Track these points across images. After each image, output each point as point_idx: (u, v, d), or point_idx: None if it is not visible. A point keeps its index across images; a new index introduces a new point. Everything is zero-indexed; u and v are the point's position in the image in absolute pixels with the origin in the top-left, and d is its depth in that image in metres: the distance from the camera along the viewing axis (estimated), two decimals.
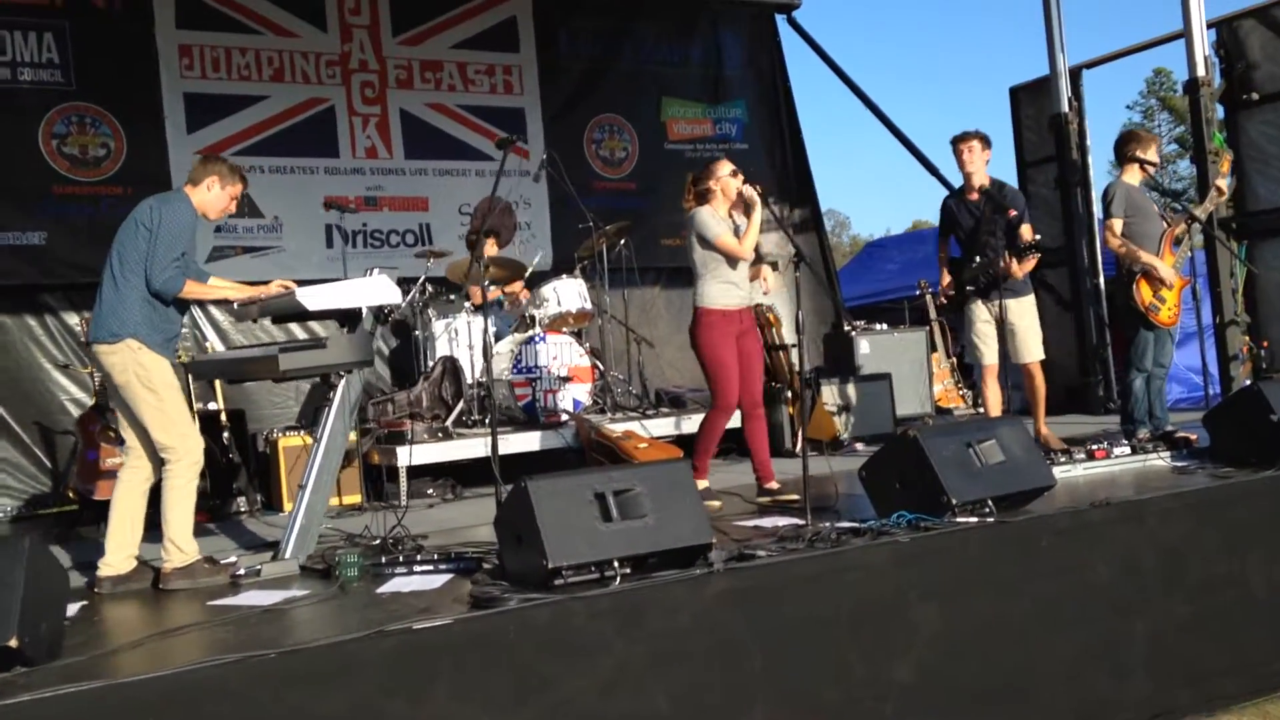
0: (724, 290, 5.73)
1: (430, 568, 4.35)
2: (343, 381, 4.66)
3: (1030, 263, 6.48)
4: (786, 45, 11.54)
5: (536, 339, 7.36)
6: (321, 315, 4.55)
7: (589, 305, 7.70)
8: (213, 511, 6.57)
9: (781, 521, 4.98)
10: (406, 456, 6.49)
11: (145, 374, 4.45)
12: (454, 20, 9.81)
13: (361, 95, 9.38)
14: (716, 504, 5.75)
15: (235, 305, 4.87)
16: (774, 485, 5.87)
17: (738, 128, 11.20)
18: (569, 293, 7.62)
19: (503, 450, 6.83)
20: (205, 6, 8.73)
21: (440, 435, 6.71)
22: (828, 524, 4.67)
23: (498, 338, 7.78)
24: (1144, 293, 6.51)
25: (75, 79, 8.21)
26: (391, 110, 9.49)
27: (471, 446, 6.76)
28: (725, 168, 5.81)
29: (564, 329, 7.60)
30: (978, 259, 6.50)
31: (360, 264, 9.09)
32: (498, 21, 10.01)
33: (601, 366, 7.86)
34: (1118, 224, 6.45)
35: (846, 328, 8.89)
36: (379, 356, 9.15)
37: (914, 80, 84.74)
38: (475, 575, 4.16)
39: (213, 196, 4.72)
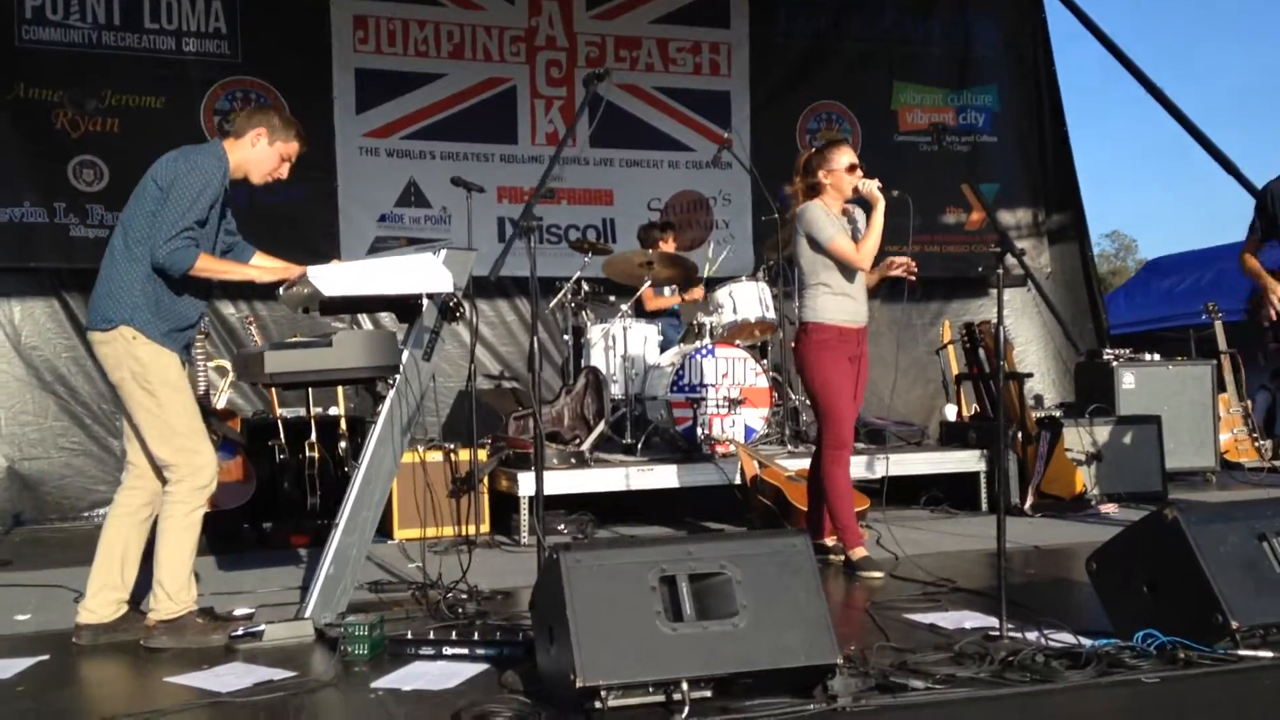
0: (838, 304, 4.67)
1: (464, 651, 3.21)
2: (390, 393, 3.60)
3: None
4: (1053, 24, 9.82)
5: (703, 351, 6.12)
6: (360, 306, 3.49)
7: (772, 315, 6.40)
8: (319, 533, 5.70)
9: (971, 622, 3.54)
10: (529, 485, 5.41)
11: (141, 370, 3.54)
12: None
13: (547, 75, 8.45)
14: (878, 575, 4.47)
15: (280, 291, 3.91)
16: (829, 541, 4.77)
17: (985, 117, 9.55)
18: (748, 299, 6.35)
19: (650, 484, 5.72)
20: None
21: (573, 461, 5.59)
22: (1033, 635, 3.21)
23: (664, 347, 6.61)
24: None
25: (242, 51, 7.65)
26: (579, 91, 8.48)
27: (609, 477, 5.62)
28: (842, 158, 4.71)
29: (739, 342, 6.33)
30: None
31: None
32: None
33: (785, 388, 6.54)
34: None
35: (1106, 356, 7.16)
36: (548, 362, 8.19)
37: (1219, 74, 73.21)
38: (506, 675, 2.98)
39: (258, 154, 3.77)
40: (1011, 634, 3.27)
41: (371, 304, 3.64)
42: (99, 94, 7.26)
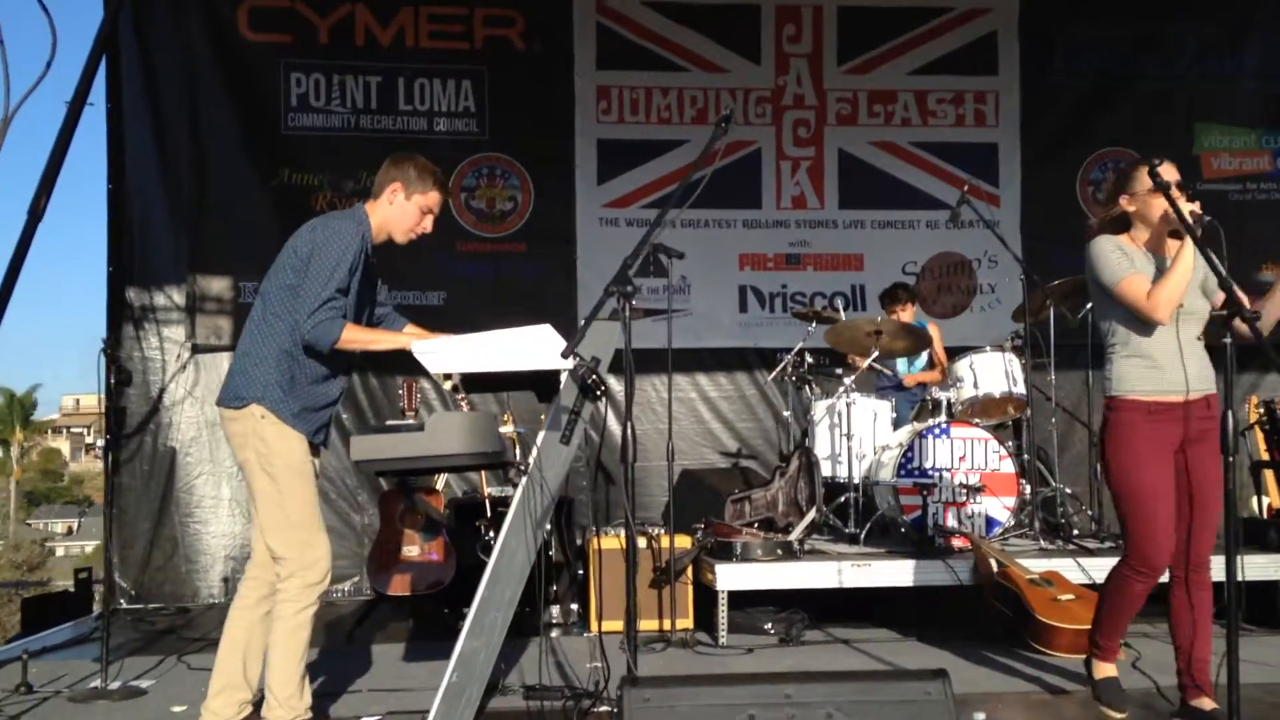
0: (1141, 370, 3.58)
1: None
2: (522, 481, 3.30)
3: None
4: None
5: (936, 431, 5.46)
6: (494, 383, 3.22)
7: (1021, 389, 5.63)
8: (520, 620, 5.47)
9: None
10: (726, 579, 4.95)
11: (266, 451, 3.40)
12: (915, 41, 8.15)
13: (794, 135, 8.06)
14: (1118, 717, 3.65)
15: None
16: (1206, 705, 3.53)
17: None
18: (991, 371, 5.65)
19: (866, 581, 5.11)
20: (630, 44, 7.93)
21: (779, 553, 5.08)
22: None
23: (898, 425, 5.98)
24: None
25: (489, 128, 7.78)
26: (828, 151, 8.05)
27: (820, 572, 5.04)
28: (1146, 176, 3.60)
29: (978, 420, 5.61)
30: None
31: (775, 331, 7.79)
32: (972, 39, 8.16)
33: (1044, 473, 5.73)
34: None
35: None
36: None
37: None
38: None
39: (396, 211, 3.62)
40: None
41: (506, 381, 3.36)
42: (355, 175, 7.57)
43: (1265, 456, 5.96)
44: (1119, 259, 3.60)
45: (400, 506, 5.44)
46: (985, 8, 8.12)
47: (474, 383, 3.40)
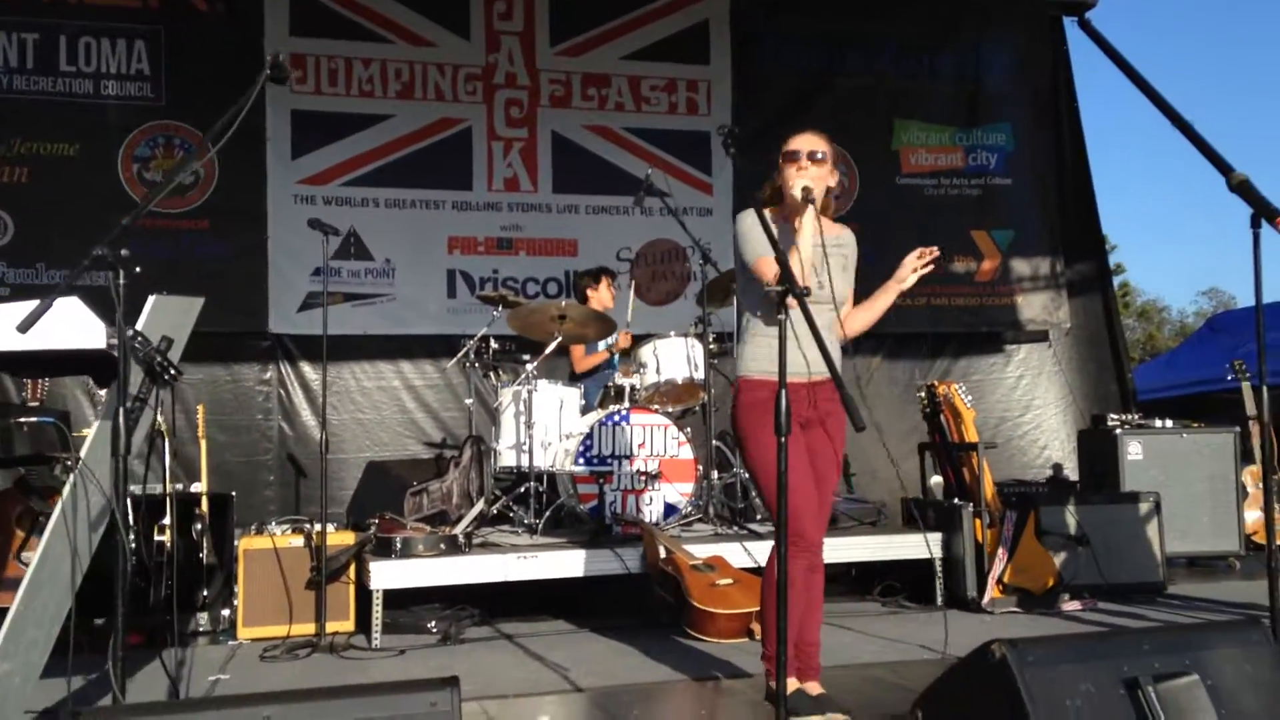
0: (774, 349, 3.16)
1: None
2: (70, 479, 2.88)
3: None
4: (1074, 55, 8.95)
5: (616, 418, 5.31)
6: (36, 364, 2.77)
7: (701, 375, 5.56)
8: (156, 629, 4.92)
9: None
10: (382, 577, 4.63)
11: None
12: (628, 26, 8.06)
13: (506, 116, 7.80)
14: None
15: None
16: (814, 690, 3.44)
17: (998, 158, 8.65)
18: (674, 357, 5.53)
19: (533, 574, 4.87)
20: (326, 10, 7.46)
21: (443, 547, 4.79)
22: None
23: (585, 411, 5.81)
24: None
25: (166, 94, 7.14)
26: (541, 134, 7.84)
27: (485, 566, 4.79)
28: (794, 144, 3.60)
29: (658, 407, 5.50)
30: None
31: (485, 318, 7.50)
32: (684, 27, 8.16)
33: (728, 458, 5.68)
34: None
35: (1111, 422, 6.15)
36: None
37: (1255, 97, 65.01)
38: None
39: None
40: None
41: (52, 362, 2.92)
42: (7, 142, 6.81)
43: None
44: (759, 235, 3.38)
45: (18, 508, 4.82)
46: None
47: (10, 364, 2.95)
